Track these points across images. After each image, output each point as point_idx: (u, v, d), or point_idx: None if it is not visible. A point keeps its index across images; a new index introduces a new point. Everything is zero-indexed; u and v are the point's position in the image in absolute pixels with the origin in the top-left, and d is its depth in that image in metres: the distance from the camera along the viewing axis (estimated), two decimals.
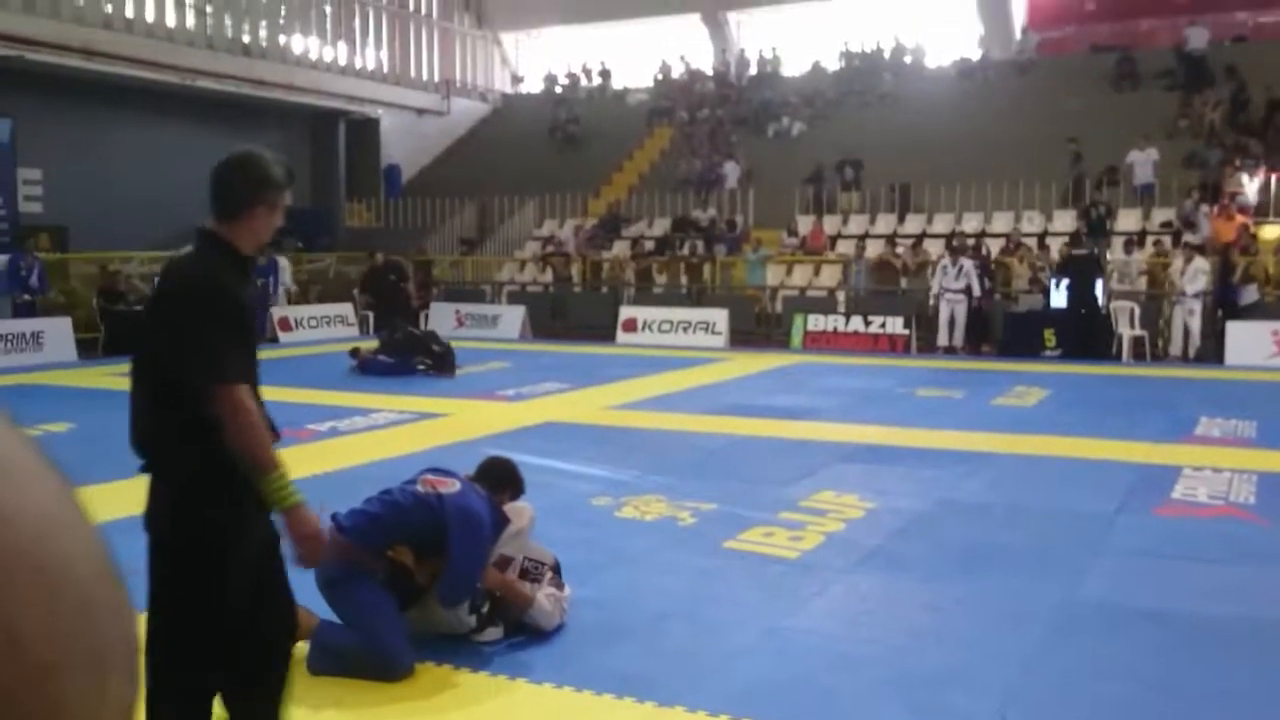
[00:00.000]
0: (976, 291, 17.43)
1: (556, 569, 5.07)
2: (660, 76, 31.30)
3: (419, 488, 4.71)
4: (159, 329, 3.07)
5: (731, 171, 25.16)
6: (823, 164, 23.98)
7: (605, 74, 32.27)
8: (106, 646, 0.43)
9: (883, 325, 18.01)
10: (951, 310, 17.52)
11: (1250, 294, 16.59)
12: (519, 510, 4.96)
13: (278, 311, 19.96)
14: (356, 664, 4.39)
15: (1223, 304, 16.48)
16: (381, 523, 4.60)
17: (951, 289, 17.47)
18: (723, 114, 28.39)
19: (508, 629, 4.81)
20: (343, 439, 9.88)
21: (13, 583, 0.41)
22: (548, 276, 23.06)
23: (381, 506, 4.66)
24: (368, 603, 4.48)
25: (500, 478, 4.92)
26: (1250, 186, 20.09)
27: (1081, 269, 16.53)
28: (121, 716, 0.45)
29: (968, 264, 17.54)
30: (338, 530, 4.51)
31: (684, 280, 21.57)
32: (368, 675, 4.36)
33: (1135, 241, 18.62)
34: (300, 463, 8.75)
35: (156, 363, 3.04)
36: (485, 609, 4.75)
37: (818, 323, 18.52)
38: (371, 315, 19.93)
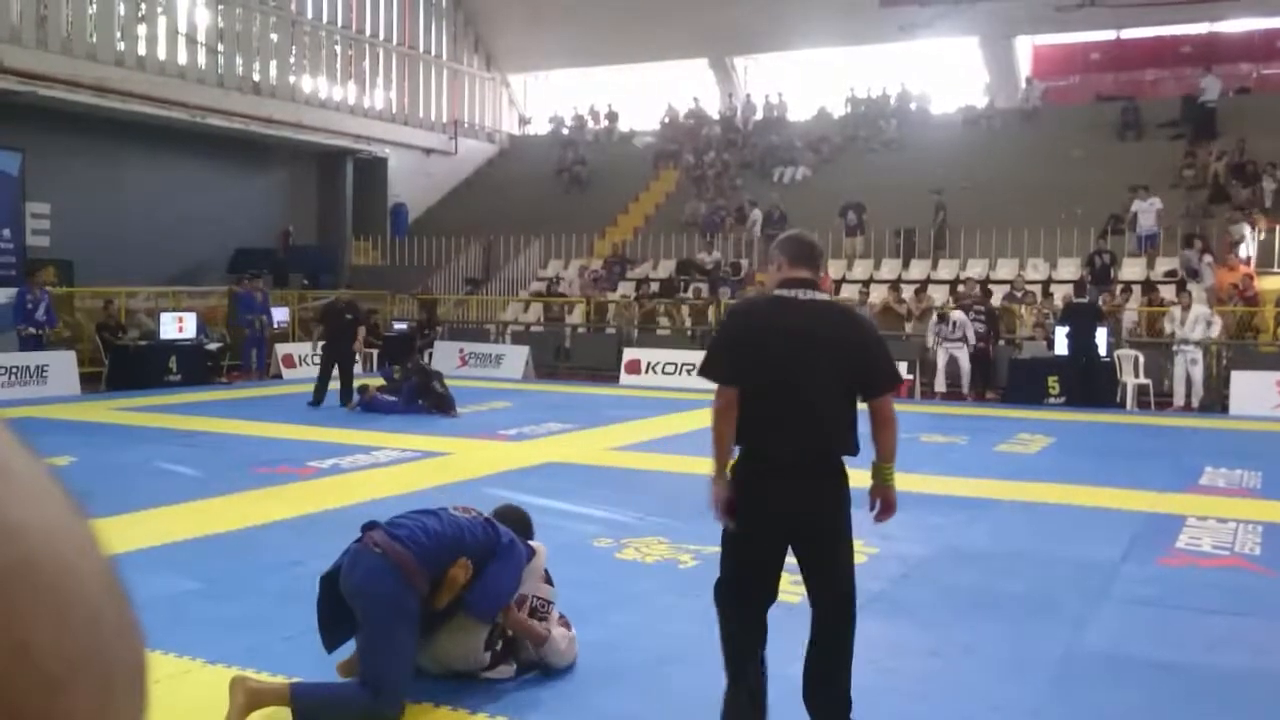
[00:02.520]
0: (971, 341, 17.41)
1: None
2: (667, 120, 31.48)
3: (460, 514, 4.70)
4: (846, 351, 4.02)
5: (757, 217, 24.97)
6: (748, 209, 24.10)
7: (612, 116, 32.47)
8: (114, 664, 0.43)
9: None
10: (950, 356, 17.50)
11: None
12: (539, 548, 4.99)
13: (282, 348, 20.01)
14: (344, 708, 4.25)
15: None
16: (444, 541, 4.49)
17: (950, 338, 17.48)
18: (729, 158, 28.53)
19: (520, 668, 4.77)
20: (345, 476, 9.87)
21: (24, 596, 0.40)
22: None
23: (440, 524, 4.56)
24: (400, 628, 4.30)
25: (518, 521, 5.02)
26: (1251, 237, 20.13)
27: (1082, 317, 16.52)
28: None
29: (960, 317, 17.51)
30: (395, 541, 4.38)
31: (688, 322, 21.59)
32: (357, 716, 4.21)
33: (1144, 302, 18.63)
34: (303, 499, 8.74)
35: (841, 377, 4.00)
36: (499, 646, 4.72)
37: None
38: (375, 353, 19.97)
